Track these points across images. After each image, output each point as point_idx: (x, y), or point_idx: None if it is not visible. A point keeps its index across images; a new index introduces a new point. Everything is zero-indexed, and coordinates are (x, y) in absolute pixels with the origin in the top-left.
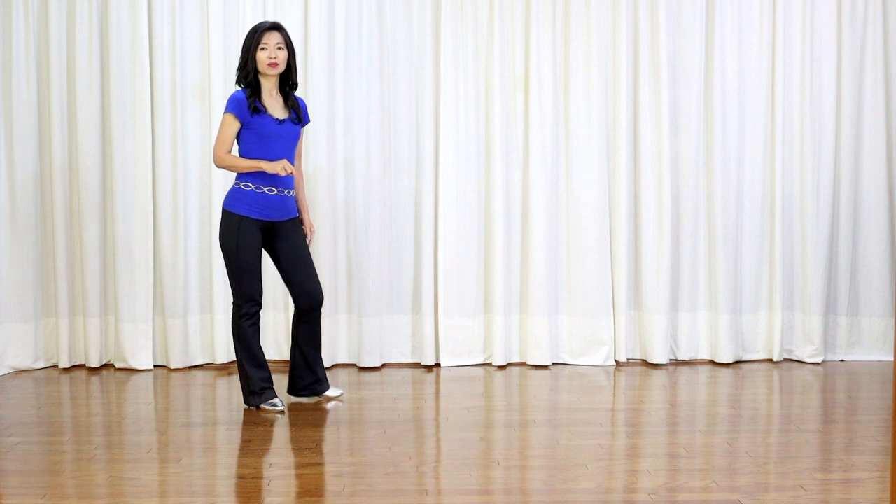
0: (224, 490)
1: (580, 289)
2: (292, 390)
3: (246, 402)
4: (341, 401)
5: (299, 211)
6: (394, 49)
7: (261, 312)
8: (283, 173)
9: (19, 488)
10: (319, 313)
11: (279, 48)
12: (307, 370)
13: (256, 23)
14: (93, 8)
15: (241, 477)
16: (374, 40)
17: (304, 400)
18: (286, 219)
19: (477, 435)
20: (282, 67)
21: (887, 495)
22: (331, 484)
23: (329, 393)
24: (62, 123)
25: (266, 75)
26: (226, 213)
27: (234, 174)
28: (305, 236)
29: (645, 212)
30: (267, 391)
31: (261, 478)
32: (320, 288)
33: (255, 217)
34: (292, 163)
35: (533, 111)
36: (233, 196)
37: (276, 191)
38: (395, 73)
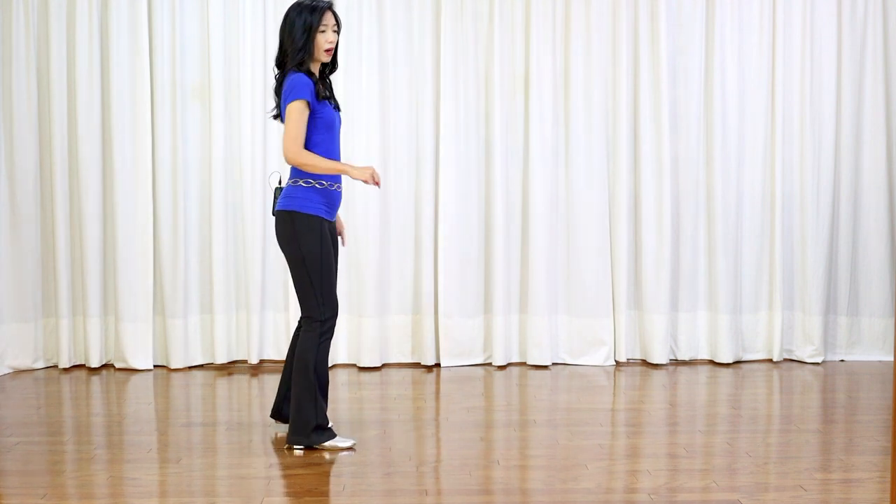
0: (224, 490)
1: (580, 289)
2: (276, 413)
3: (302, 439)
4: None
5: None
6: (394, 49)
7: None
8: (371, 181)
9: (19, 488)
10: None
11: (335, 31)
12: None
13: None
14: (93, 8)
15: (241, 477)
16: (374, 40)
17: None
18: (335, 218)
19: (477, 435)
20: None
21: (887, 495)
22: (331, 484)
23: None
24: (62, 123)
25: (316, 61)
26: (301, 217)
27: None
28: (339, 234)
29: (645, 212)
30: (330, 427)
31: (261, 478)
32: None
33: (328, 218)
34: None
35: (533, 111)
36: (308, 196)
37: (341, 188)
38: (395, 73)
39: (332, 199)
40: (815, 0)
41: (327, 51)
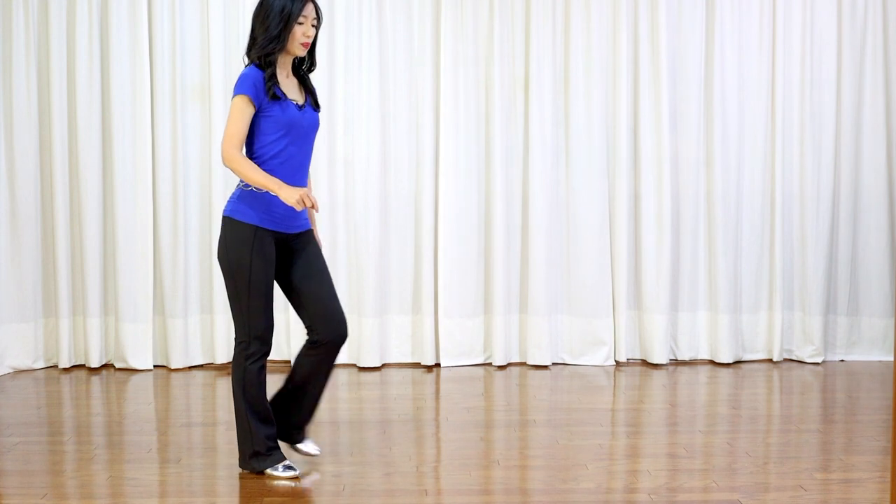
0: (224, 490)
1: (580, 289)
2: (286, 435)
3: (244, 464)
4: (312, 456)
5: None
6: (394, 49)
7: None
8: (298, 207)
9: (19, 488)
10: (343, 342)
11: (313, 24)
12: (297, 410)
13: None
14: (93, 8)
15: (241, 477)
16: (374, 40)
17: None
18: (302, 231)
19: (477, 435)
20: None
21: (887, 495)
22: (331, 484)
23: (304, 447)
24: (62, 123)
25: (289, 54)
26: (232, 224)
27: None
28: None
29: (645, 212)
30: (275, 452)
31: (261, 478)
32: (342, 311)
33: (270, 228)
34: (309, 161)
35: (533, 111)
36: (241, 200)
37: None
38: (395, 73)
39: (273, 206)
40: (815, 0)
41: (303, 44)
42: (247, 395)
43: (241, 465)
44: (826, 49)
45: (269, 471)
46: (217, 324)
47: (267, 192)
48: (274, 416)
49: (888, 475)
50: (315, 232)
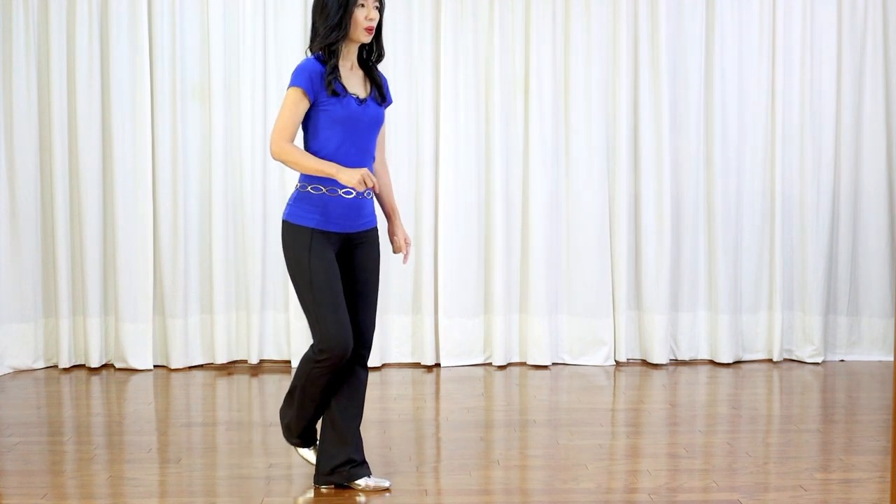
0: (224, 490)
1: (580, 289)
2: (318, 474)
3: (282, 425)
4: (387, 491)
5: (389, 218)
6: (394, 49)
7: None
8: (360, 188)
9: (19, 488)
10: (364, 365)
11: (376, 8)
12: (338, 444)
13: None
14: (93, 8)
15: (241, 477)
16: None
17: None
18: (363, 230)
19: (477, 435)
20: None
21: (887, 495)
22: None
23: (367, 481)
24: (62, 123)
25: (353, 42)
26: (289, 228)
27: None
28: (399, 251)
29: (645, 212)
30: (304, 438)
31: (261, 478)
32: (371, 330)
33: (327, 229)
34: (373, 156)
35: (533, 111)
36: (298, 202)
37: (353, 193)
38: (395, 73)
39: (337, 207)
40: (815, 0)
41: (367, 29)
42: (305, 388)
43: (283, 436)
44: (826, 50)
45: (296, 448)
46: (217, 324)
47: (324, 193)
48: (325, 454)
49: (888, 475)
50: (395, 226)
